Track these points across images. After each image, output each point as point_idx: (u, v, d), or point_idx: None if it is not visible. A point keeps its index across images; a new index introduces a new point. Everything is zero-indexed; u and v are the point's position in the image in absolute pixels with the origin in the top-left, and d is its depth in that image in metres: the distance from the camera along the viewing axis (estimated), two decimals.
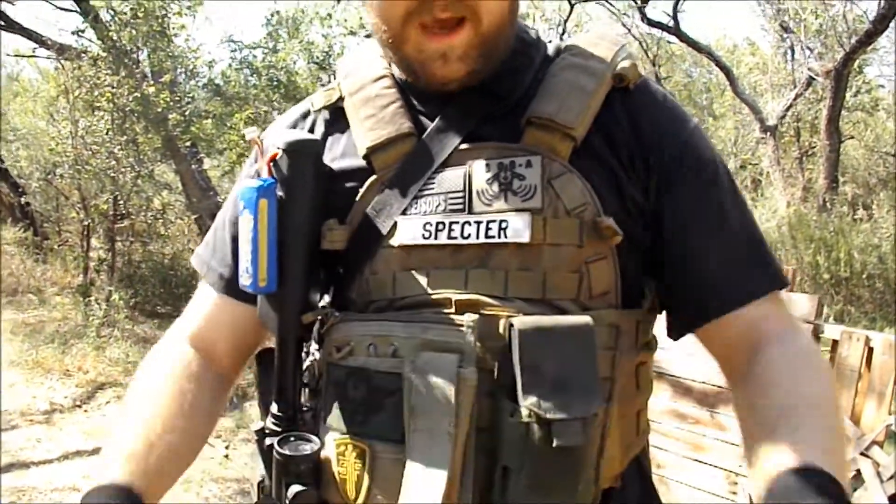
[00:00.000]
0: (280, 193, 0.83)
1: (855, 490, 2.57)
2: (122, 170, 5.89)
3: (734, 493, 2.88)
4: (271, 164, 0.84)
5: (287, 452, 0.81)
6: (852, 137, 11.31)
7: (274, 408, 0.87)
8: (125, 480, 0.80)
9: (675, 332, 0.91)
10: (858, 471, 2.58)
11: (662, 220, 0.86)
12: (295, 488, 0.80)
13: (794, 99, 10.27)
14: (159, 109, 5.90)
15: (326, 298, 0.87)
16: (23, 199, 7.66)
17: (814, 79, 9.66)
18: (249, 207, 0.82)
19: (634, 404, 0.88)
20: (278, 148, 0.84)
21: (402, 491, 0.74)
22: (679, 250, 0.86)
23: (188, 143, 6.38)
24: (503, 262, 0.80)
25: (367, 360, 0.79)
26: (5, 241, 7.63)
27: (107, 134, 5.97)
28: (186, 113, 6.10)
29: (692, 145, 0.88)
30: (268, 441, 0.84)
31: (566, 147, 0.82)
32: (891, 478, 2.48)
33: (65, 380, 4.78)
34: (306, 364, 0.87)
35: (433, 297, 0.80)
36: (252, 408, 4.45)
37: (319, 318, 0.84)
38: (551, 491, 0.74)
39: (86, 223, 6.03)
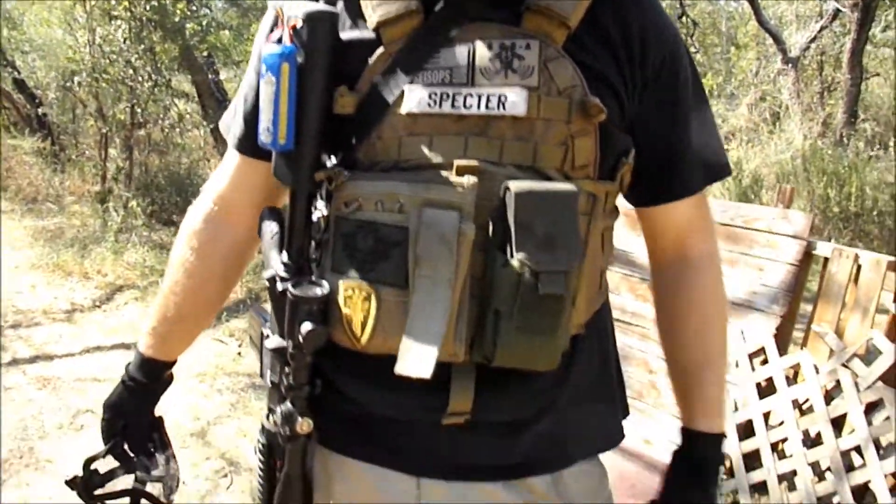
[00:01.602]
0: (299, 60, 0.91)
1: (833, 399, 2.69)
2: (139, 79, 5.94)
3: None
4: (292, 32, 0.91)
5: (300, 294, 0.90)
6: (877, 75, 11.12)
7: (284, 257, 0.96)
8: (148, 353, 1.13)
9: (631, 201, 1.06)
10: (838, 381, 2.70)
11: (637, 113, 0.98)
12: (307, 325, 0.89)
13: (819, 31, 10.07)
14: (176, 19, 5.90)
15: (334, 159, 0.93)
16: (40, 111, 7.72)
17: (840, 10, 9.46)
18: (272, 71, 0.90)
19: (599, 264, 0.99)
20: (298, 17, 0.90)
21: (407, 327, 0.84)
22: (642, 140, 0.99)
23: (205, 54, 6.40)
24: (500, 132, 0.89)
25: (374, 214, 0.87)
26: (24, 151, 7.74)
27: (124, 43, 6.00)
28: (203, 23, 6.10)
29: (673, 52, 0.99)
30: (280, 286, 0.93)
31: (561, 34, 0.90)
32: (868, 388, 2.60)
33: (84, 282, 4.96)
34: (314, 218, 0.95)
35: (435, 160, 0.89)
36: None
37: (330, 175, 0.91)
38: (536, 333, 0.85)
39: (103, 131, 6.12)
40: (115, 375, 3.48)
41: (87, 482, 1.14)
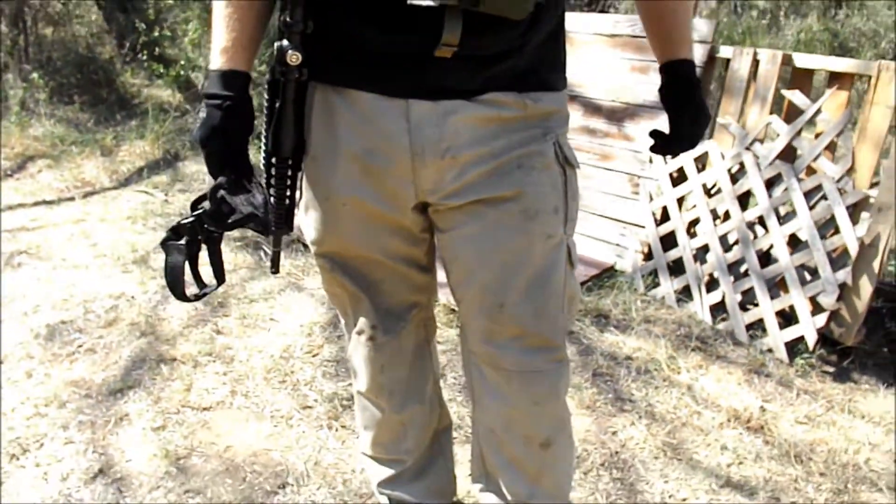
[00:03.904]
0: None
1: (738, 180, 2.95)
2: None
3: (636, 192, 3.25)
4: None
5: None
6: None
7: None
8: (230, 66, 1.12)
9: None
10: (742, 163, 2.96)
11: None
12: None
13: None
14: None
15: None
16: None
17: None
18: None
19: None
20: None
21: None
22: None
23: None
24: None
25: None
26: None
27: None
28: None
29: None
30: None
31: None
32: (768, 165, 2.87)
33: None
34: None
35: None
36: (184, 167, 4.59)
37: None
38: None
39: None
40: (45, 224, 3.45)
41: (216, 212, 1.13)
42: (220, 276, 1.23)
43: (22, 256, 3.19)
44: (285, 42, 1.08)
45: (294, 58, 1.07)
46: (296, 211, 1.23)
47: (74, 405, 2.18)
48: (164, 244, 1.16)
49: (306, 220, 1.30)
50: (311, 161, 1.22)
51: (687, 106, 1.31)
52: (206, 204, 1.14)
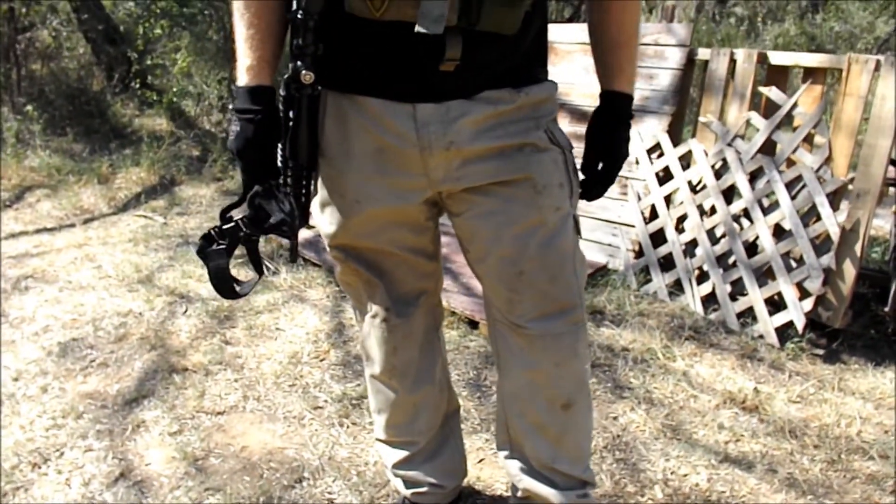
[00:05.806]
0: None
1: (721, 175, 3.06)
2: None
3: (624, 194, 3.35)
4: None
5: None
6: None
7: None
8: (256, 82, 1.23)
9: None
10: (725, 159, 3.07)
11: None
12: None
13: None
14: None
15: None
16: None
17: None
18: None
19: None
20: None
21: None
22: None
23: None
24: None
25: None
26: None
27: None
28: None
29: None
30: None
31: None
32: (750, 159, 2.98)
33: None
34: None
35: None
36: (180, 191, 4.68)
37: None
38: (506, 4, 1.16)
39: None
40: (48, 250, 3.51)
41: (255, 218, 1.24)
42: (259, 269, 1.36)
43: (28, 280, 3.26)
44: (299, 63, 1.19)
45: (308, 77, 1.19)
46: (310, 208, 1.34)
47: (91, 415, 2.25)
48: (202, 253, 1.27)
49: (322, 217, 1.42)
50: (325, 163, 1.33)
51: (608, 137, 1.42)
52: (241, 211, 1.26)
